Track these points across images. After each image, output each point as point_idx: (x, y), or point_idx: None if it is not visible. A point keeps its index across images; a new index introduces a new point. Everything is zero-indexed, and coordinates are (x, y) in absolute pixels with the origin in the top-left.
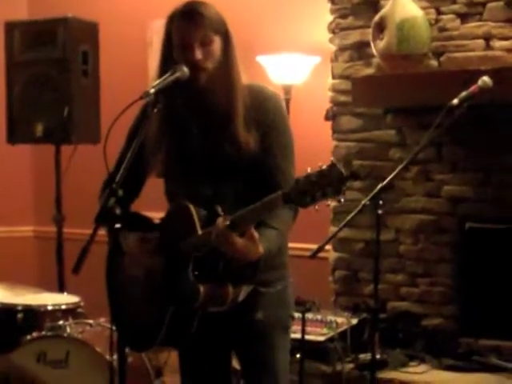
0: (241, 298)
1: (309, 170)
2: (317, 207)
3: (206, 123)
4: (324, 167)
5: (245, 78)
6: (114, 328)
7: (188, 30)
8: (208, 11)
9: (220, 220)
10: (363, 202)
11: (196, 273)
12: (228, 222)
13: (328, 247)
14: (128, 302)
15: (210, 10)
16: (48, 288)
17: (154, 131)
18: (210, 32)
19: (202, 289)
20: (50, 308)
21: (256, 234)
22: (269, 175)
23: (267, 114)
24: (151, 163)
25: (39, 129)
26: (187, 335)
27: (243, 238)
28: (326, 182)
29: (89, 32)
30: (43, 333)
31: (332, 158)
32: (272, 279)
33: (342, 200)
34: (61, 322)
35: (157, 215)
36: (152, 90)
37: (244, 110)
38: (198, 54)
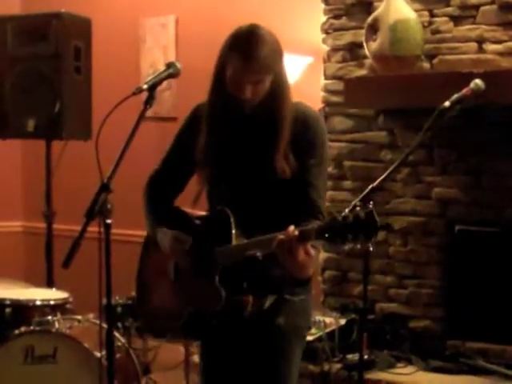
0: (266, 305)
1: (346, 211)
2: (346, 248)
3: (248, 147)
4: (361, 213)
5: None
6: (103, 324)
7: (242, 71)
8: (265, 51)
9: (291, 229)
10: (353, 203)
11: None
12: (297, 233)
13: None
14: (154, 288)
15: (268, 47)
16: (36, 283)
17: (203, 144)
18: (263, 74)
19: (223, 294)
20: (38, 303)
21: (312, 252)
22: (303, 192)
23: (306, 134)
24: (198, 170)
25: (30, 124)
26: (207, 330)
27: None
28: (360, 228)
29: (82, 28)
30: (31, 328)
31: (370, 205)
32: (299, 290)
33: (371, 249)
34: (49, 318)
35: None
36: (144, 86)
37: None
38: (248, 93)
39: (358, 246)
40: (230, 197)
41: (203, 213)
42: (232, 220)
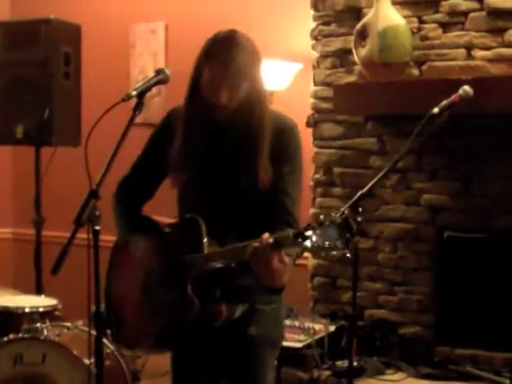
0: (237, 314)
1: (321, 217)
2: (323, 254)
3: (226, 157)
4: (338, 219)
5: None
6: (92, 331)
7: (218, 75)
8: (242, 56)
9: (266, 236)
10: (342, 210)
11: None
12: (272, 240)
13: (307, 254)
14: (124, 299)
15: (245, 53)
16: (25, 290)
17: (176, 148)
18: (240, 80)
19: (196, 303)
20: (27, 310)
21: (287, 260)
22: (277, 199)
23: (281, 141)
24: (172, 179)
25: (19, 130)
26: (181, 342)
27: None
28: (337, 235)
29: (71, 34)
30: (20, 335)
31: (346, 211)
32: (270, 299)
33: (348, 255)
34: (38, 325)
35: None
36: (134, 93)
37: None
38: (223, 99)
39: (334, 253)
40: (201, 204)
41: (171, 220)
42: (203, 228)
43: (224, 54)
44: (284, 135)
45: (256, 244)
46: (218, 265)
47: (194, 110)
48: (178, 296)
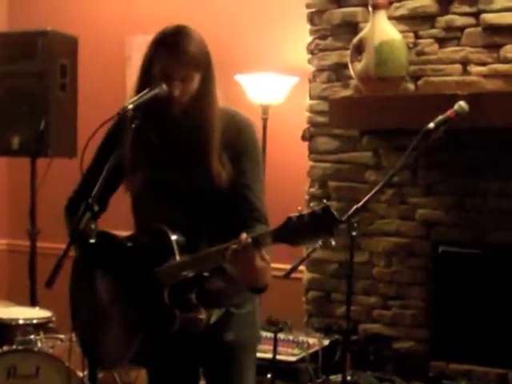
0: (213, 319)
1: (299, 209)
2: (307, 245)
3: (179, 154)
4: (316, 209)
5: (220, 100)
6: (76, 344)
7: (170, 66)
8: (193, 47)
9: (244, 236)
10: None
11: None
12: (250, 240)
13: (302, 268)
14: (96, 319)
15: (195, 44)
16: (20, 302)
17: (130, 152)
18: (192, 70)
19: (177, 315)
20: (21, 322)
21: (268, 257)
22: (242, 196)
23: (239, 139)
24: (126, 182)
25: (15, 141)
26: (157, 356)
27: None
28: (319, 225)
29: (68, 46)
30: (14, 347)
31: (325, 201)
32: (243, 301)
33: (334, 243)
34: (32, 337)
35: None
36: (130, 106)
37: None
38: (177, 91)
39: (320, 243)
40: (159, 204)
41: (127, 233)
42: (173, 239)
43: (175, 42)
44: (241, 133)
45: (235, 246)
46: (192, 274)
47: (145, 106)
48: (155, 309)
